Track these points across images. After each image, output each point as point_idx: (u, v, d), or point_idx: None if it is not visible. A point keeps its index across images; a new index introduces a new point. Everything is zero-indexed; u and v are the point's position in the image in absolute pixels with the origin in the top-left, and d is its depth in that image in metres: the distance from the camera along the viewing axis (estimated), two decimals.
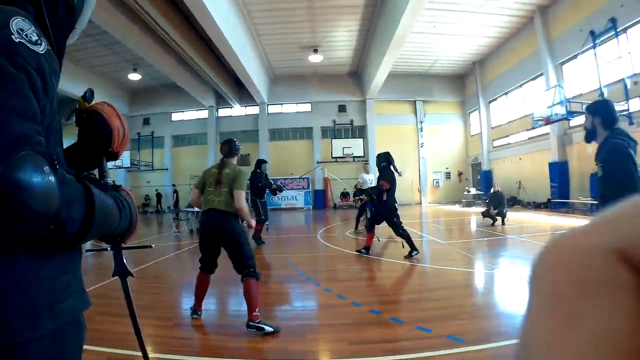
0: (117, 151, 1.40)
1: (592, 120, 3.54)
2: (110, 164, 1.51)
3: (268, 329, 4.06)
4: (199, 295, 4.66)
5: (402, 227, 8.03)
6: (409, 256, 7.77)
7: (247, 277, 4.26)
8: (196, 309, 4.63)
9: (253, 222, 5.04)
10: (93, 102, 1.41)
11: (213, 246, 4.62)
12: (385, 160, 8.42)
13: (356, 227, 12.59)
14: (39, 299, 0.98)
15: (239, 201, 4.42)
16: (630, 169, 3.30)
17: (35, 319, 0.96)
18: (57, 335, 1.03)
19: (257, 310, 4.12)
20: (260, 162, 10.56)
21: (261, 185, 10.26)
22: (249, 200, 8.36)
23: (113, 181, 1.39)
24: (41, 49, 0.96)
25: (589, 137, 3.65)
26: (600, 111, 3.54)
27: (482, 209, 14.64)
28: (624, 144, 3.36)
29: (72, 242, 1.01)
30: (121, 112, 1.45)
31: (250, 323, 4.06)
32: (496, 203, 13.71)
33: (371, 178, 12.14)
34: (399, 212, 8.19)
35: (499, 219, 13.48)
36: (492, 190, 14.65)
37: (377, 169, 8.65)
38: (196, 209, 13.38)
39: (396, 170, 8.44)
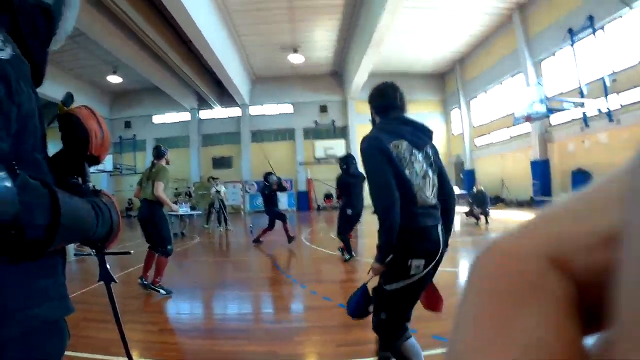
0: (97, 155, 1.35)
1: (371, 111, 2.93)
2: (92, 168, 1.46)
3: (162, 292, 5.76)
4: (146, 268, 6.05)
5: (343, 234, 7.99)
6: (342, 255, 7.91)
7: (160, 254, 5.95)
8: (141, 276, 5.96)
9: (174, 207, 7.18)
10: (73, 106, 1.37)
11: (146, 227, 6.08)
12: (344, 163, 8.32)
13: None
14: (7, 304, 0.94)
15: (157, 190, 5.79)
16: (375, 168, 2.46)
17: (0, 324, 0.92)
18: (29, 340, 1.00)
19: (159, 278, 5.86)
20: (266, 175, 11.33)
21: (267, 194, 11.02)
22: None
23: (94, 185, 1.35)
24: (5, 54, 0.92)
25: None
26: (372, 99, 2.92)
27: (466, 209, 14.71)
28: (373, 136, 2.57)
29: (39, 248, 0.97)
30: (100, 115, 1.41)
31: (151, 285, 5.81)
32: (479, 202, 13.79)
33: None
34: (358, 217, 8.26)
35: (483, 217, 13.57)
36: (474, 190, 14.74)
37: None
38: (180, 213, 13.40)
39: (348, 174, 8.18)
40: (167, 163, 6.51)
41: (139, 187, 6.21)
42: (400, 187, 2.37)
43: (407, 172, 2.41)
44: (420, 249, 2.42)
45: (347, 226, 8.05)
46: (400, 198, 2.35)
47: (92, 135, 1.32)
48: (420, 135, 2.61)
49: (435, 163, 2.57)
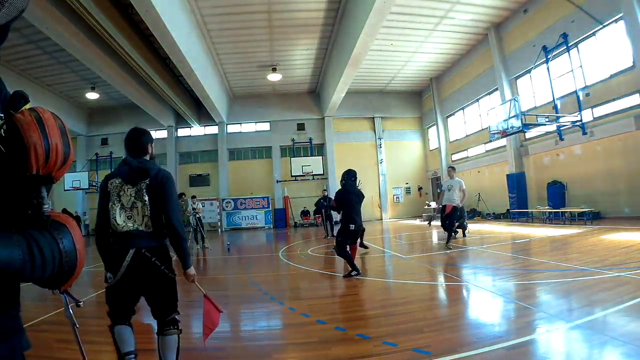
0: (50, 174, 1.11)
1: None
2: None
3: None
4: None
5: (344, 248, 7.99)
6: (348, 275, 7.59)
7: None
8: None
9: None
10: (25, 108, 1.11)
11: None
12: (342, 179, 8.49)
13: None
14: None
15: None
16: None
17: None
18: None
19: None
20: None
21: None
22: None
23: (49, 210, 1.13)
24: None
25: None
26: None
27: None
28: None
29: None
30: (54, 122, 1.13)
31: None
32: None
33: (460, 181, 11.38)
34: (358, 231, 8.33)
35: (460, 231, 13.63)
36: None
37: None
38: None
39: (347, 189, 8.38)
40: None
41: None
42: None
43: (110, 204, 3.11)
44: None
45: (345, 242, 8.07)
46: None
47: (31, 150, 1.05)
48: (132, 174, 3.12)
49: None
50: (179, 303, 3.32)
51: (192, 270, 3.35)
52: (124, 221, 3.05)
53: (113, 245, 3.08)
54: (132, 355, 3.20)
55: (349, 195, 8.28)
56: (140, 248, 3.04)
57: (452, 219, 11.29)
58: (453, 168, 11.98)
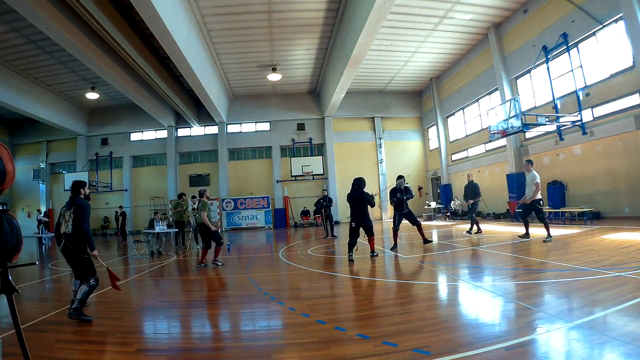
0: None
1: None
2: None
3: (220, 264, 10.39)
4: (203, 257, 10.66)
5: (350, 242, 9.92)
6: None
7: (205, 248, 10.82)
8: (200, 262, 10.58)
9: (212, 227, 10.68)
10: None
11: (203, 235, 10.92)
12: (355, 184, 10.17)
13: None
14: None
15: (202, 217, 10.45)
16: None
17: None
18: None
19: (216, 258, 10.47)
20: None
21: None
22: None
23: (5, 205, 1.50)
24: None
25: None
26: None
27: (443, 222, 14.81)
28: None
29: None
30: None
31: (213, 261, 10.55)
32: (472, 193, 14.47)
33: (533, 175, 11.09)
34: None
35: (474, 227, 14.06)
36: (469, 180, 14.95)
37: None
38: (156, 231, 13.20)
39: (348, 195, 10.34)
40: (208, 199, 11.08)
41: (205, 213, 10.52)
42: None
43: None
44: None
45: (351, 236, 9.96)
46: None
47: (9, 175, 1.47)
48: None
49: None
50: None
51: (95, 252, 5.70)
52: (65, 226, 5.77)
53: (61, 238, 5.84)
54: (73, 297, 5.55)
55: (349, 200, 10.17)
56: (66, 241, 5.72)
57: (538, 214, 11.10)
58: (529, 162, 11.48)
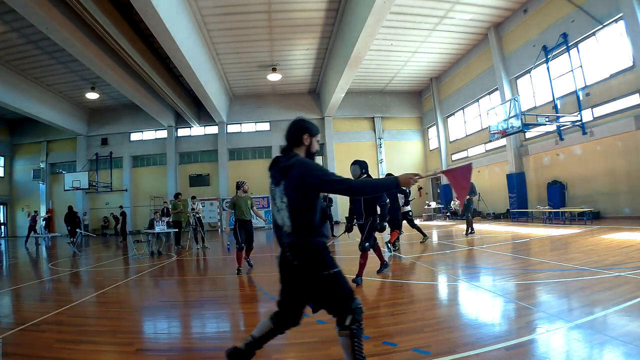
0: None
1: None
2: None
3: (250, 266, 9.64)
4: (239, 261, 9.15)
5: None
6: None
7: (239, 249, 9.28)
8: (239, 268, 9.06)
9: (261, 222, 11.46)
10: None
11: (247, 234, 9.52)
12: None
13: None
14: None
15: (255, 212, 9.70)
16: None
17: None
18: None
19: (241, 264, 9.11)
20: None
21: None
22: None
23: None
24: None
25: None
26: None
27: (442, 223, 14.84)
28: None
29: None
30: None
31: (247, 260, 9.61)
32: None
33: None
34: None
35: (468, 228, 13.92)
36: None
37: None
38: (156, 231, 13.17)
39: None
40: (245, 192, 9.71)
41: (229, 212, 9.87)
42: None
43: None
44: None
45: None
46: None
47: None
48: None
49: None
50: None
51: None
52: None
53: None
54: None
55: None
56: None
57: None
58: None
